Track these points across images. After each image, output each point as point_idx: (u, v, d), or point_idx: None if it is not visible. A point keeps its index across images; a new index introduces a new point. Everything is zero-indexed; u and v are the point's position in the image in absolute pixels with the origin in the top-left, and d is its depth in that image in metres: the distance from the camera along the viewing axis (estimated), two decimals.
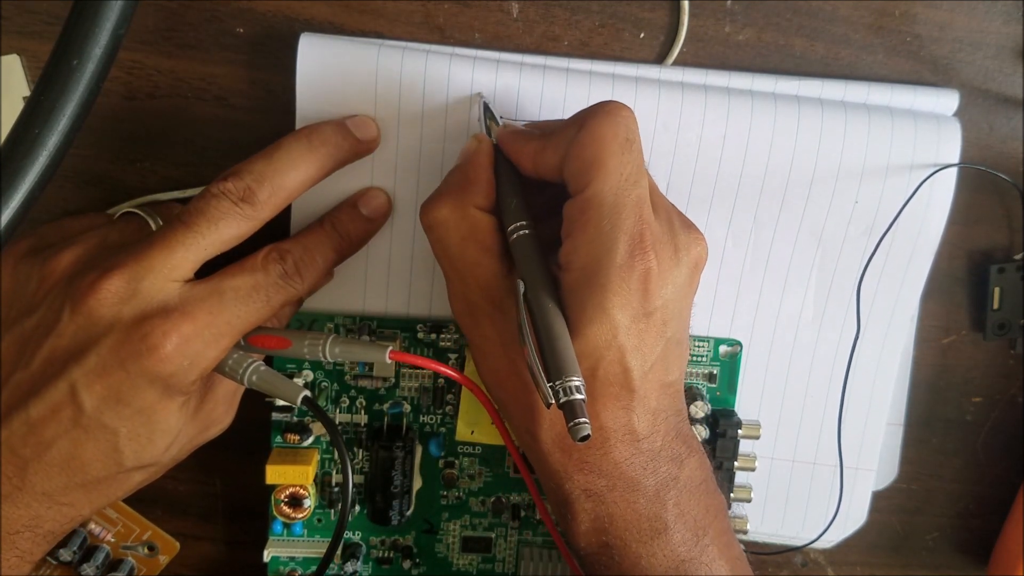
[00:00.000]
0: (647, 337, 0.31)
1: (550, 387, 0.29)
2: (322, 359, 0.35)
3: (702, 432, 0.40)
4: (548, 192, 0.34)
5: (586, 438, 0.28)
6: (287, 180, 0.34)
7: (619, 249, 0.31)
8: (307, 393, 0.34)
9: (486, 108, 0.36)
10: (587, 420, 0.28)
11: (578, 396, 0.28)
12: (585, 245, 0.31)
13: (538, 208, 0.34)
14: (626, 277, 0.31)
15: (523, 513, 0.42)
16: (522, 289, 0.31)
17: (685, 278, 0.32)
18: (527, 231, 0.33)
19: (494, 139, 0.35)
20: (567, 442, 0.32)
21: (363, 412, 0.40)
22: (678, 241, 0.32)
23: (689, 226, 0.34)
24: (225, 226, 0.33)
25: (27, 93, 0.38)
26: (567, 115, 0.34)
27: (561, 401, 0.29)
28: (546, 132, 0.34)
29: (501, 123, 0.36)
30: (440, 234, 0.33)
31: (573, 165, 0.32)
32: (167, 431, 0.33)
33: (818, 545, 0.43)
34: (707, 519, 0.34)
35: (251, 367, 0.34)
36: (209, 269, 0.34)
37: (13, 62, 0.38)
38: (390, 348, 0.35)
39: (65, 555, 0.41)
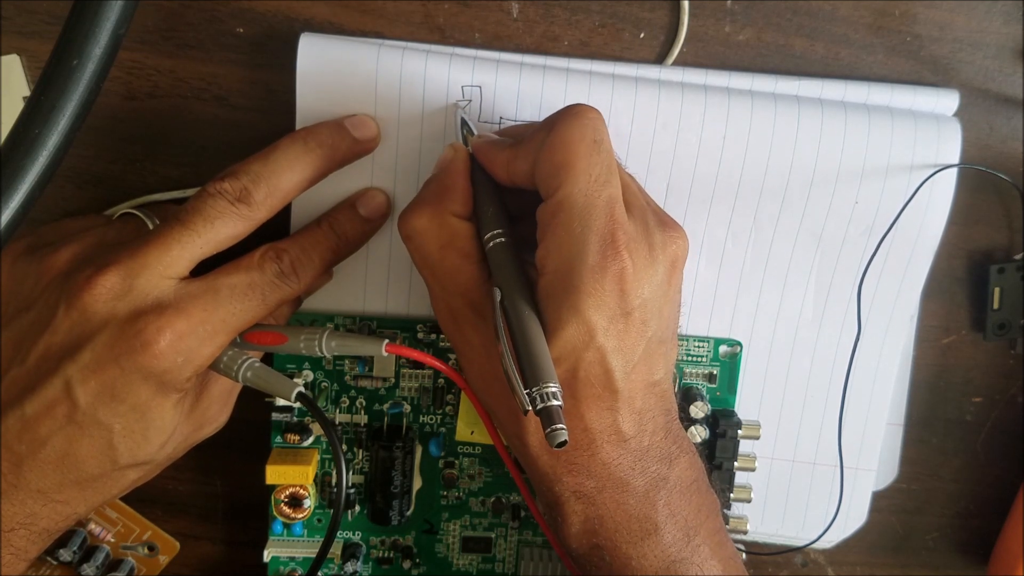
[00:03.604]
0: (627, 337, 0.31)
1: (527, 393, 0.29)
2: (319, 354, 0.35)
3: (702, 432, 0.40)
4: (528, 192, 0.34)
5: (563, 444, 0.28)
6: (283, 181, 0.34)
7: (591, 250, 0.30)
8: (301, 388, 0.34)
9: (463, 121, 0.36)
10: (564, 426, 0.28)
11: (554, 402, 0.28)
12: (557, 248, 0.31)
13: (519, 208, 0.34)
14: (599, 278, 0.30)
15: (523, 513, 0.42)
16: (498, 296, 0.32)
17: (663, 276, 0.32)
18: (502, 239, 0.33)
19: (470, 148, 0.35)
20: None
21: (363, 412, 0.40)
22: (653, 240, 0.32)
23: (665, 224, 0.33)
24: (221, 225, 0.33)
25: (27, 93, 0.38)
26: None
27: (538, 407, 0.29)
28: (518, 139, 0.34)
29: (476, 132, 0.36)
30: (419, 243, 0.34)
31: (543, 170, 0.32)
32: (162, 428, 0.33)
33: (818, 545, 0.43)
34: (699, 519, 0.34)
35: (246, 363, 0.34)
36: (206, 269, 0.34)
37: (13, 62, 0.38)
38: (386, 341, 0.35)
39: (65, 555, 0.41)
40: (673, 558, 0.33)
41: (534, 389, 0.29)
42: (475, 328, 0.33)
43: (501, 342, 0.30)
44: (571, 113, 0.32)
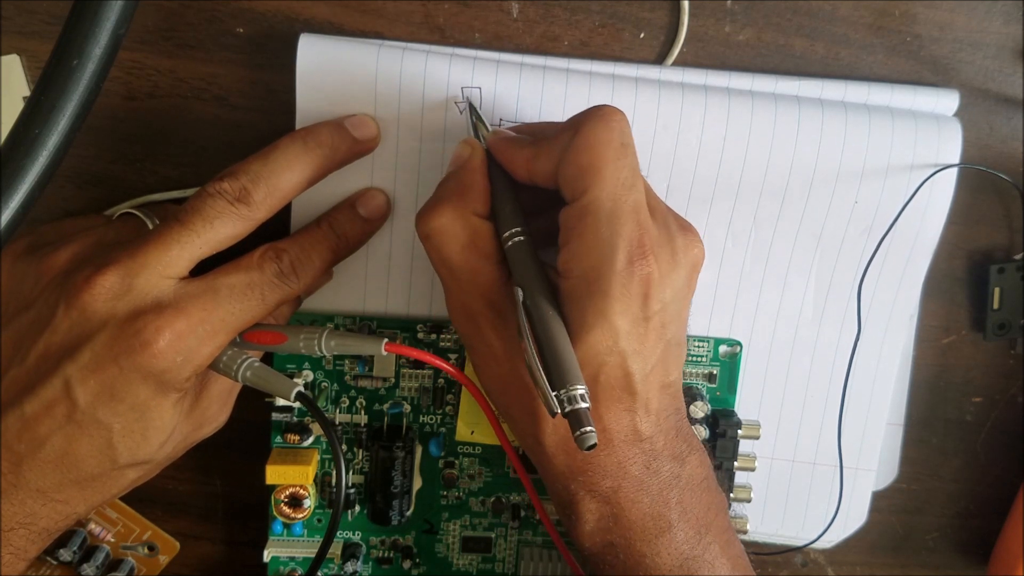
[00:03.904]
0: (647, 341, 0.32)
1: (554, 396, 0.29)
2: (319, 354, 0.35)
3: (702, 432, 0.40)
4: (541, 188, 0.34)
5: (593, 447, 0.28)
6: (283, 181, 0.34)
7: (619, 256, 0.31)
8: (301, 388, 0.34)
9: (472, 108, 0.36)
10: (593, 429, 0.28)
11: (583, 405, 0.29)
12: (584, 252, 0.31)
13: (532, 204, 0.34)
14: (626, 283, 0.31)
15: (523, 513, 0.42)
16: (520, 296, 0.32)
17: (683, 280, 0.32)
18: (522, 237, 0.33)
19: (482, 140, 0.35)
20: (571, 445, 0.32)
21: (363, 412, 0.40)
22: (676, 244, 0.32)
23: (686, 228, 0.34)
24: (220, 225, 0.33)
25: (27, 93, 0.38)
26: (567, 116, 0.34)
27: (566, 411, 0.29)
28: (538, 137, 0.34)
29: (491, 127, 0.36)
30: (440, 242, 0.33)
31: (569, 172, 0.31)
32: (161, 428, 0.33)
33: (818, 545, 0.43)
34: (709, 516, 0.34)
35: (245, 363, 0.34)
36: (206, 269, 0.34)
37: (13, 62, 0.38)
38: (386, 340, 0.35)
39: (65, 555, 0.41)
40: (686, 555, 0.33)
41: (561, 391, 0.29)
42: (495, 329, 0.33)
43: (525, 342, 0.30)
44: (597, 115, 0.32)
